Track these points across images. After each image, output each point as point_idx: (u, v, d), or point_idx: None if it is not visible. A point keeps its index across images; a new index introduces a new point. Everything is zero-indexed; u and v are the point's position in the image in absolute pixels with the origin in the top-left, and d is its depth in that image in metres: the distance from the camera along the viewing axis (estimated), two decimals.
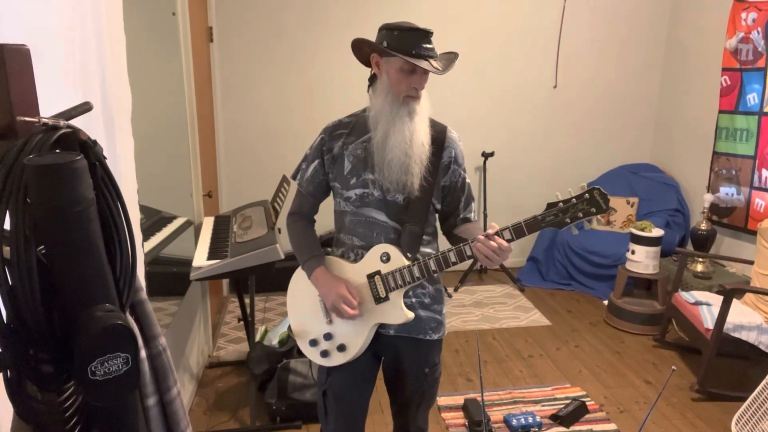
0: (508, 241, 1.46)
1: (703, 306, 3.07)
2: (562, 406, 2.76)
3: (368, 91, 1.63)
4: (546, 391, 2.97)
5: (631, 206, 4.46)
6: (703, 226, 3.83)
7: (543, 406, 2.83)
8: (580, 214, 1.45)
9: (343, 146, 1.62)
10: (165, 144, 2.68)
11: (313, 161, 1.67)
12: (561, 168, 4.78)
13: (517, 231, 1.47)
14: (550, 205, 1.47)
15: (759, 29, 3.69)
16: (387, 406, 2.73)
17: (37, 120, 0.71)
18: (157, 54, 2.60)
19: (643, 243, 3.64)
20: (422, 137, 1.56)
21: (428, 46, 1.49)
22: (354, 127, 1.64)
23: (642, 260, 3.65)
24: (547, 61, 4.60)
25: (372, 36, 1.56)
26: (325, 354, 1.66)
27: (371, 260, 1.60)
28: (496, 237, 1.45)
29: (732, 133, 3.93)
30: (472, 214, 1.73)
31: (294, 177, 1.73)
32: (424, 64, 1.47)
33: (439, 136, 1.62)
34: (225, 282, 4.29)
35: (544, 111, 4.69)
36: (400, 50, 1.47)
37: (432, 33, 1.51)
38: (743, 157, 3.84)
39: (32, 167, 0.65)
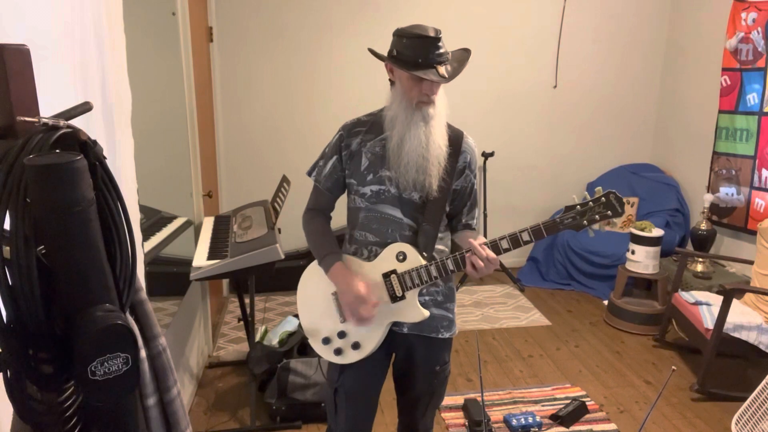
0: (526, 242, 1.53)
1: (703, 306, 3.06)
2: (562, 406, 2.76)
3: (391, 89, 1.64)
4: (546, 391, 2.97)
5: (631, 206, 4.45)
6: (703, 226, 3.83)
7: (543, 406, 2.83)
8: (597, 217, 1.51)
9: (361, 143, 1.63)
10: (165, 144, 2.68)
11: (331, 157, 1.67)
12: (561, 168, 4.77)
13: (536, 233, 1.52)
14: (568, 209, 1.53)
15: (759, 29, 3.68)
16: (387, 407, 2.74)
17: (37, 120, 0.71)
18: (157, 54, 2.60)
19: (643, 243, 3.64)
20: (439, 139, 1.57)
21: (437, 51, 1.49)
22: (372, 125, 1.65)
23: (642, 260, 3.65)
24: (547, 62, 4.59)
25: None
26: (338, 352, 1.66)
27: (387, 259, 1.60)
28: (485, 247, 1.51)
29: (732, 133, 3.93)
30: (474, 221, 1.75)
31: (309, 173, 1.74)
32: (430, 74, 1.47)
33: (456, 140, 1.64)
34: (225, 282, 4.29)
35: (544, 111, 4.68)
36: (407, 59, 1.48)
37: (440, 38, 1.50)
38: (743, 157, 3.83)
39: (32, 167, 0.65)
